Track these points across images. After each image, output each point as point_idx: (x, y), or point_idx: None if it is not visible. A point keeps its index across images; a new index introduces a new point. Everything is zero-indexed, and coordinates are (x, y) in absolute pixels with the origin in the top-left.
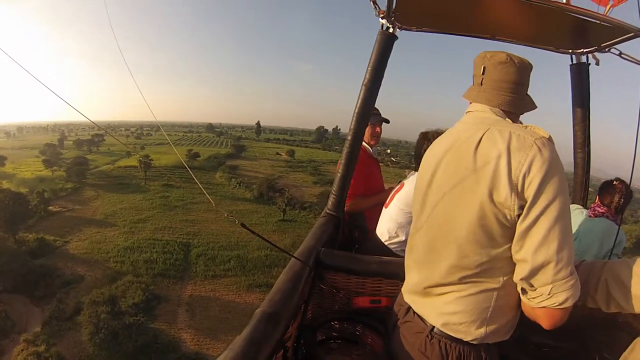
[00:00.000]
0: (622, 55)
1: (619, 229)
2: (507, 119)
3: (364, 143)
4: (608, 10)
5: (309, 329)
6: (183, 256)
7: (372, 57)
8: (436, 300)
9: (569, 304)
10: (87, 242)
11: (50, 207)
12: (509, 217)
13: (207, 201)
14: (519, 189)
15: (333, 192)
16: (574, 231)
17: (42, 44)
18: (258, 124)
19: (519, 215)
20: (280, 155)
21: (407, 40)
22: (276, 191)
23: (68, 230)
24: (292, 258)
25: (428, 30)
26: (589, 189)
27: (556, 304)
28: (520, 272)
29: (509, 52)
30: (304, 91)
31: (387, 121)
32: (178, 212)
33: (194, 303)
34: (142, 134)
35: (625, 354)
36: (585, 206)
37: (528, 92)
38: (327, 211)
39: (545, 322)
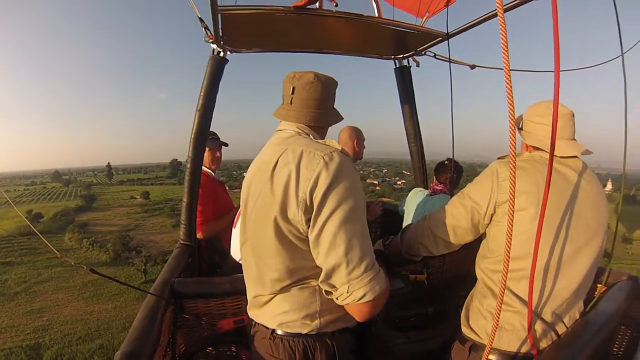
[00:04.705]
0: (437, 56)
1: None
2: (310, 135)
3: (205, 168)
4: (424, 21)
5: None
6: None
7: (204, 82)
8: (268, 306)
9: (368, 297)
10: None
11: None
12: (302, 231)
13: (56, 276)
14: (307, 203)
15: (182, 221)
16: (418, 210)
17: None
18: (109, 165)
19: (308, 227)
20: (135, 198)
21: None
22: (132, 250)
23: None
24: (148, 295)
25: (258, 50)
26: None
27: (356, 300)
28: (320, 276)
29: (316, 71)
30: (157, 122)
31: (226, 144)
32: (21, 300)
33: None
34: None
35: (468, 300)
36: (426, 187)
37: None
38: (181, 242)
39: (357, 316)
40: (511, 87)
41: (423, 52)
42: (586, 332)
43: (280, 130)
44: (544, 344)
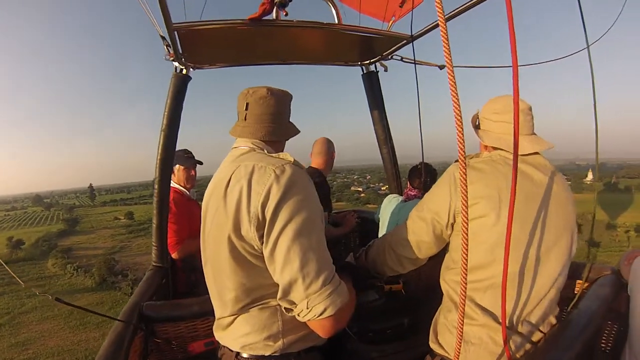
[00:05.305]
0: (404, 59)
1: None
2: (265, 150)
3: (180, 187)
4: (391, 25)
5: None
6: None
7: (168, 101)
8: (231, 328)
9: (329, 312)
10: None
11: None
12: (256, 248)
13: (40, 305)
14: (259, 219)
15: (154, 243)
16: (393, 217)
17: None
18: (91, 186)
19: (262, 244)
20: (120, 219)
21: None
22: (117, 274)
23: None
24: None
25: (221, 65)
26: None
27: (317, 316)
28: (278, 293)
29: (269, 86)
30: (136, 140)
31: (201, 163)
32: (4, 333)
33: None
34: None
35: (436, 315)
36: (400, 193)
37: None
38: (153, 264)
39: (320, 333)
40: (455, 84)
41: (389, 57)
42: (568, 333)
43: (236, 147)
44: (520, 353)
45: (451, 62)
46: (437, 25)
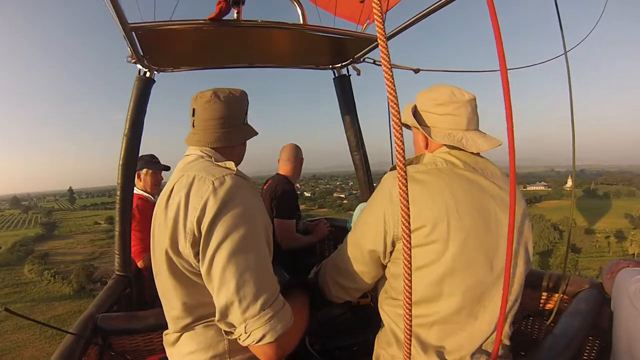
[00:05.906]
0: (376, 62)
1: None
2: (213, 157)
3: (145, 194)
4: (365, 28)
5: None
6: None
7: (130, 105)
8: (178, 346)
9: (269, 339)
10: None
11: None
12: (194, 266)
13: (16, 315)
14: (195, 235)
15: (116, 251)
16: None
17: None
18: (70, 189)
19: (199, 261)
20: (100, 224)
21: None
22: (96, 281)
23: None
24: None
25: (186, 68)
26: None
27: (256, 342)
28: (216, 315)
29: (218, 88)
30: (117, 141)
31: (168, 168)
32: None
33: None
34: None
35: (376, 344)
36: None
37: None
38: (116, 273)
39: (263, 359)
40: (393, 83)
41: (361, 59)
42: (548, 356)
43: (187, 155)
44: None
45: (389, 60)
46: (407, 27)
